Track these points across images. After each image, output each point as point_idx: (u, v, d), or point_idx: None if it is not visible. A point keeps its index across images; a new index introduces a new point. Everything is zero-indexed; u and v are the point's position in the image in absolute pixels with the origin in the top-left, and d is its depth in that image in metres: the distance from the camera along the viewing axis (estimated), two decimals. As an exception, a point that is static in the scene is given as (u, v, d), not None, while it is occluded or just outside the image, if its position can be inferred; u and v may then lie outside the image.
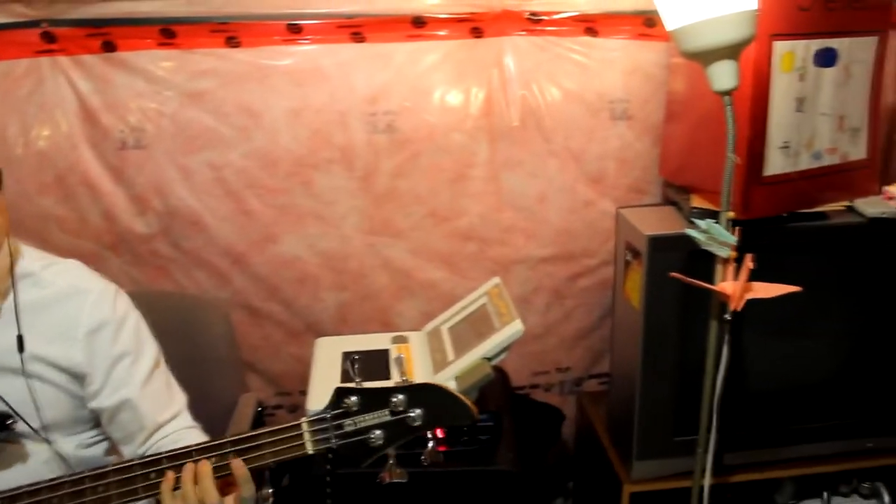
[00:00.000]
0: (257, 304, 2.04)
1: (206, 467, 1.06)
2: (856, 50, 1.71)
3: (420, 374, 1.61)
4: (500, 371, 1.89)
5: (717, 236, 1.40)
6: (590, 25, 1.93)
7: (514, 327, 1.51)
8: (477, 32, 1.91)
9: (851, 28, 1.69)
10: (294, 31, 1.85)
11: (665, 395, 1.78)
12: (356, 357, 1.12)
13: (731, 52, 1.33)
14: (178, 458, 1.07)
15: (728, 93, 1.36)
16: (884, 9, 1.74)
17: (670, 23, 1.36)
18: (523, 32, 1.93)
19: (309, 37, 1.86)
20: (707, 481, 1.64)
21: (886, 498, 2.00)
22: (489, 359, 1.52)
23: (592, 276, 2.13)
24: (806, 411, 1.90)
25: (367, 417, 1.04)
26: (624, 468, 1.89)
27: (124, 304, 1.32)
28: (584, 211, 2.06)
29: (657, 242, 1.67)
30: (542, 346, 2.18)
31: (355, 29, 1.86)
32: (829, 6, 1.63)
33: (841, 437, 1.92)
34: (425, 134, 1.94)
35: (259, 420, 1.78)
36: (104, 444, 1.35)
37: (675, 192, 1.88)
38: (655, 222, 1.74)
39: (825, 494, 2.02)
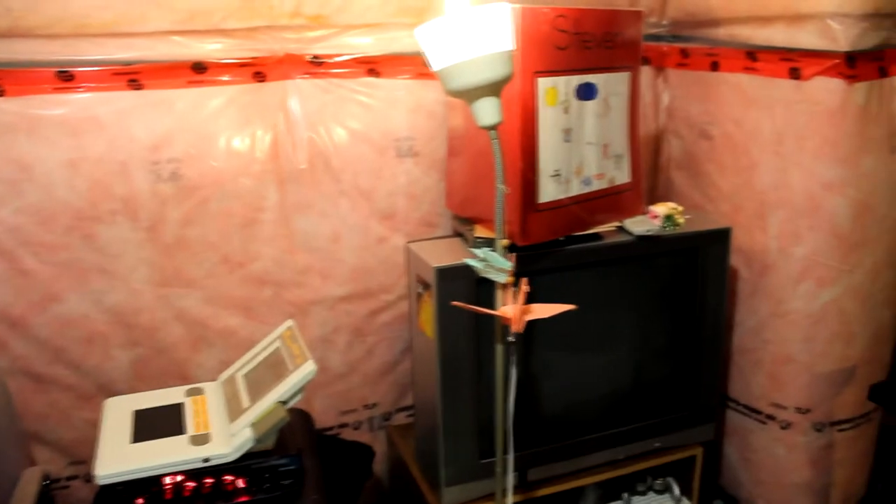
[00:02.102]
0: (41, 370, 1.89)
1: None
2: (612, 84, 1.87)
3: (216, 424, 1.57)
4: (301, 413, 1.87)
5: (495, 263, 1.47)
6: (372, 67, 1.98)
7: (307, 368, 1.51)
8: (260, 76, 1.91)
9: (607, 65, 1.83)
10: (65, 78, 1.76)
11: (466, 421, 1.83)
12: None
13: (492, 89, 1.40)
14: None
15: (493, 127, 1.43)
16: (633, 47, 1.91)
17: (435, 64, 1.42)
18: (307, 75, 1.94)
19: (82, 85, 1.77)
20: (509, 500, 1.70)
21: (676, 490, 2.17)
22: (284, 402, 1.51)
23: (391, 311, 2.16)
24: (598, 420, 2.02)
25: None
26: (434, 496, 1.92)
27: None
28: (377, 247, 2.09)
29: (444, 273, 1.72)
30: (346, 384, 2.18)
31: (132, 76, 1.80)
32: (586, 45, 1.76)
33: (632, 440, 2.06)
34: (212, 180, 1.90)
35: (45, 496, 1.65)
36: None
37: (461, 224, 1.95)
38: (442, 254, 1.79)
39: (625, 495, 2.15)
